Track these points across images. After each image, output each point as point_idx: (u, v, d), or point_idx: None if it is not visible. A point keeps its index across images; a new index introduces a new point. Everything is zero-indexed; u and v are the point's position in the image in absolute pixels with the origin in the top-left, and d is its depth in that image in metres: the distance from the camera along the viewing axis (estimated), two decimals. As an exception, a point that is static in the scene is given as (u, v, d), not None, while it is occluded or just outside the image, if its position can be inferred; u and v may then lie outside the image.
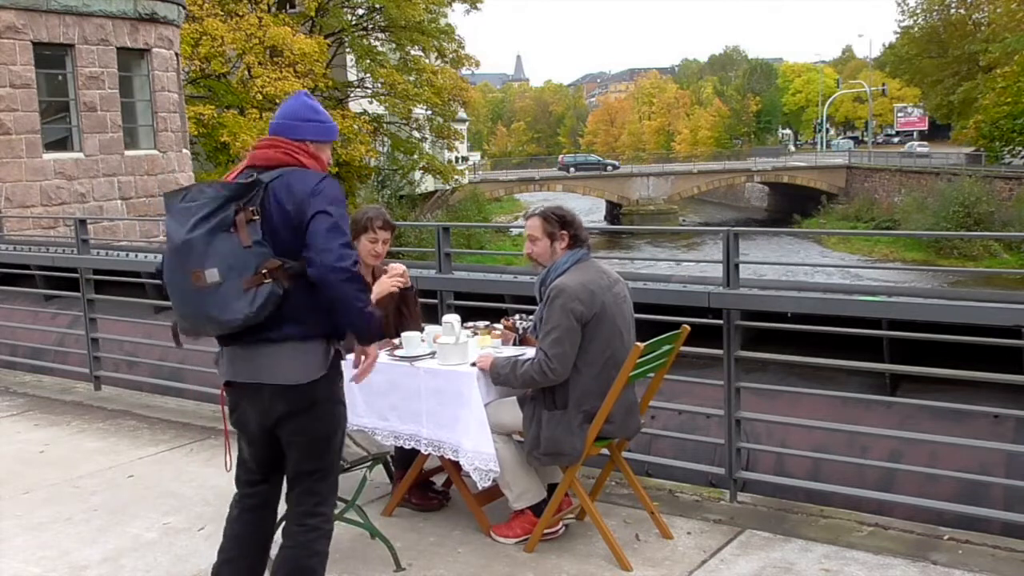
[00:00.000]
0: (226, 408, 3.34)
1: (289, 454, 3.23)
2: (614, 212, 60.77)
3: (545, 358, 3.85)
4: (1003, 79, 43.36)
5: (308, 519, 3.24)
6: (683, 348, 4.20)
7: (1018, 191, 38.62)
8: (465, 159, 59.82)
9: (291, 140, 3.18)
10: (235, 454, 3.41)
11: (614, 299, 3.99)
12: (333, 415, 3.26)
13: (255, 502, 3.35)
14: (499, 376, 4.02)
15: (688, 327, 4.16)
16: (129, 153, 17.99)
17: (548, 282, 3.99)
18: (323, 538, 3.28)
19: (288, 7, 32.37)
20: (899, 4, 54.85)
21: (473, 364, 4.13)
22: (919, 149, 63.01)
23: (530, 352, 4.04)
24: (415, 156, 36.10)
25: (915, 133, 65.98)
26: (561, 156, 73.08)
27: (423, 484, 4.68)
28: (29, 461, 5.68)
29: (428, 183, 40.75)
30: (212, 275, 2.96)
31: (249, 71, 28.38)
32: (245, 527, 3.34)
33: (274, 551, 3.34)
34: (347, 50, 33.95)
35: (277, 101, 27.44)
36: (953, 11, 53.21)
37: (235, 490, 3.39)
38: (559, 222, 4.03)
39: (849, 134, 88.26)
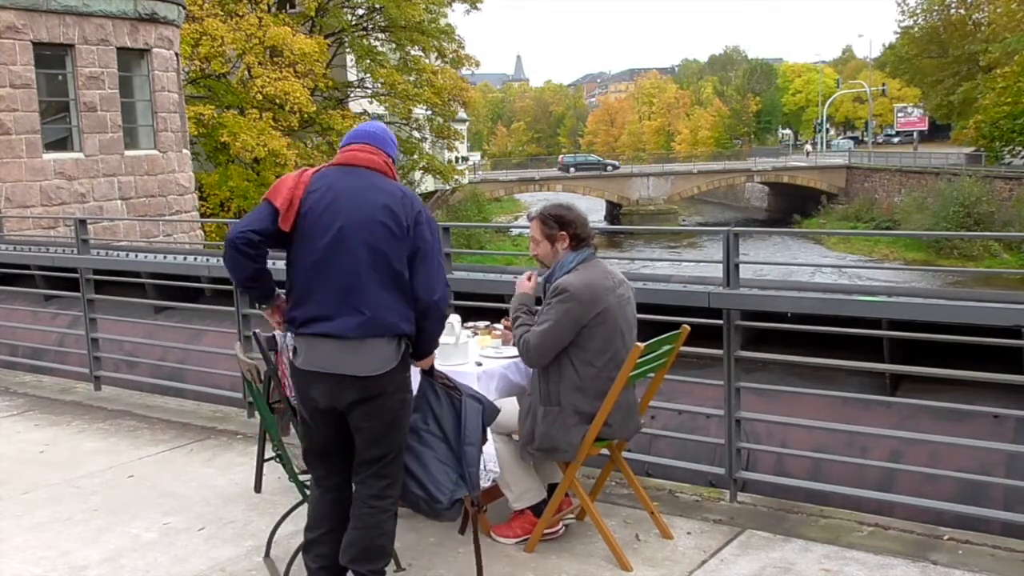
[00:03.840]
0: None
1: (357, 439, 3.32)
2: (614, 212, 60.75)
3: (527, 343, 3.89)
4: (1003, 79, 43.29)
5: (377, 501, 3.31)
6: (683, 348, 4.20)
7: (1018, 191, 38.61)
8: (465, 159, 59.75)
9: (385, 152, 3.40)
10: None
11: (617, 300, 3.99)
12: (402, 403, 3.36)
13: (332, 483, 3.44)
14: (515, 320, 4.05)
15: (688, 327, 4.16)
16: (129, 153, 17.97)
17: (553, 280, 4.00)
18: (392, 518, 3.37)
19: (288, 7, 32.35)
20: (899, 4, 54.75)
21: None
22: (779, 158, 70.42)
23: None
24: (415, 156, 36.05)
25: (915, 133, 65.96)
26: (561, 156, 72.97)
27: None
28: (29, 461, 5.69)
29: (428, 183, 40.68)
30: None
31: (249, 71, 28.36)
32: (326, 506, 3.44)
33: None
34: (347, 50, 33.94)
35: (277, 101, 27.48)
36: (953, 11, 53.11)
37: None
38: (556, 222, 4.03)
39: (849, 134, 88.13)
